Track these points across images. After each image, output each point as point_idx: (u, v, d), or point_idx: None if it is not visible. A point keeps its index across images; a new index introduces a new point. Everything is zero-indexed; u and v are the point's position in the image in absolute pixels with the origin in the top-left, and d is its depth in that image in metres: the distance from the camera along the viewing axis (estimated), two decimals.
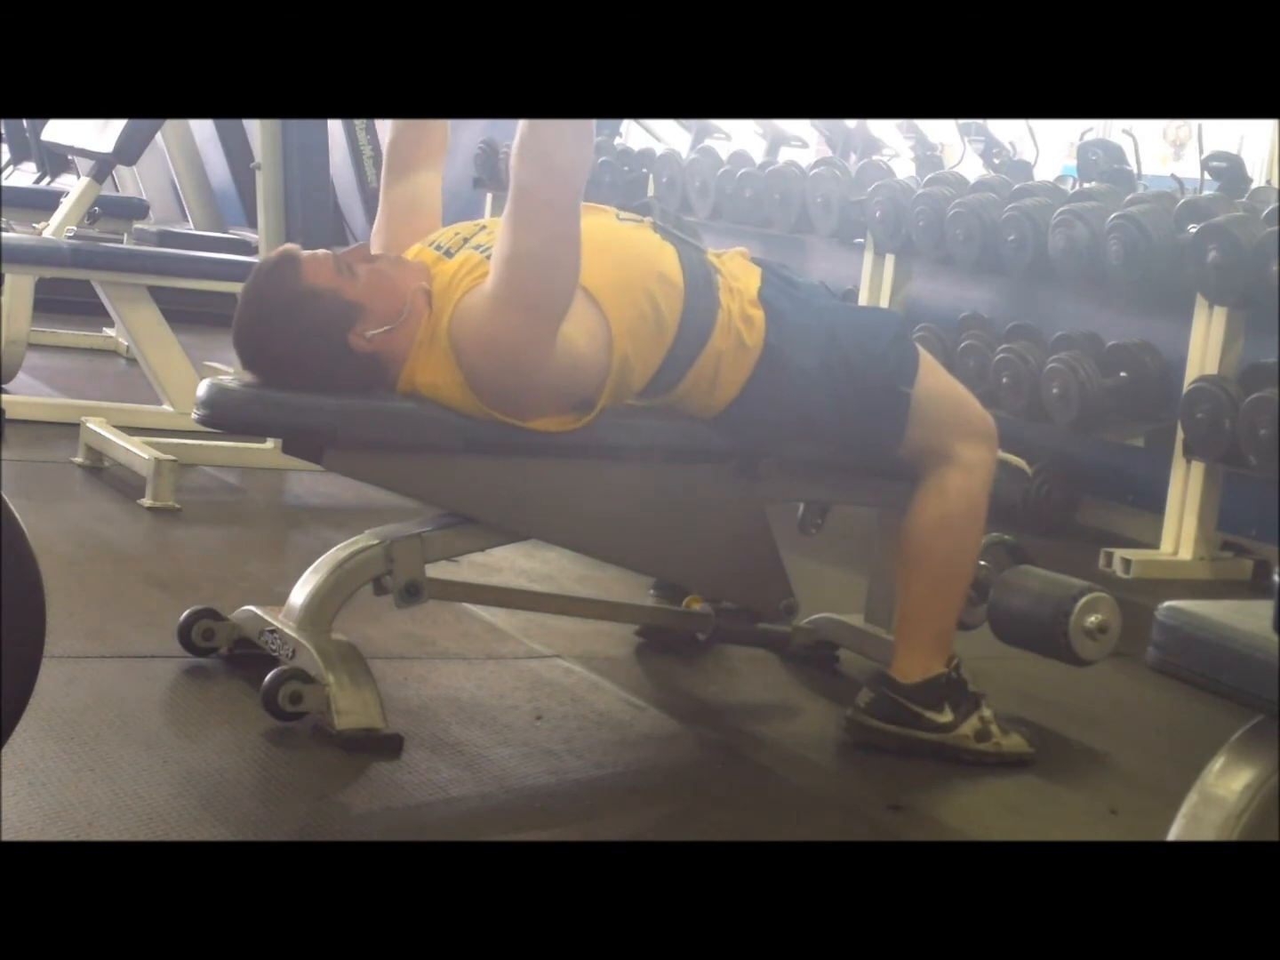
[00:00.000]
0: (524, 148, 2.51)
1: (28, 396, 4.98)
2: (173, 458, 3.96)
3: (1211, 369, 4.40)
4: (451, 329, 2.59)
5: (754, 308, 2.79)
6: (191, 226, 7.55)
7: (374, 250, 2.83)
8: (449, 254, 2.71)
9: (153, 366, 4.69)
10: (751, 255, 2.94)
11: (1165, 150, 7.50)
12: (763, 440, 2.84)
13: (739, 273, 2.84)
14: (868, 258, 5.57)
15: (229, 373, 2.77)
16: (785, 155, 6.27)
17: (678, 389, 2.76)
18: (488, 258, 2.64)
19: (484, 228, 2.77)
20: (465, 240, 2.74)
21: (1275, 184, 5.11)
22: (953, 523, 2.83)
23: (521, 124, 2.51)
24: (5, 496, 1.73)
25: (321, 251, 2.69)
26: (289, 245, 2.75)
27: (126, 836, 2.14)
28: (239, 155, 7.93)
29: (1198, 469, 4.47)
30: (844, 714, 2.83)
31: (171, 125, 7.09)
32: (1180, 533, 4.50)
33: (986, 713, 2.82)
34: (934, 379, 2.90)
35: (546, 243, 2.53)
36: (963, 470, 2.84)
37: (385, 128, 3.04)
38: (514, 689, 2.93)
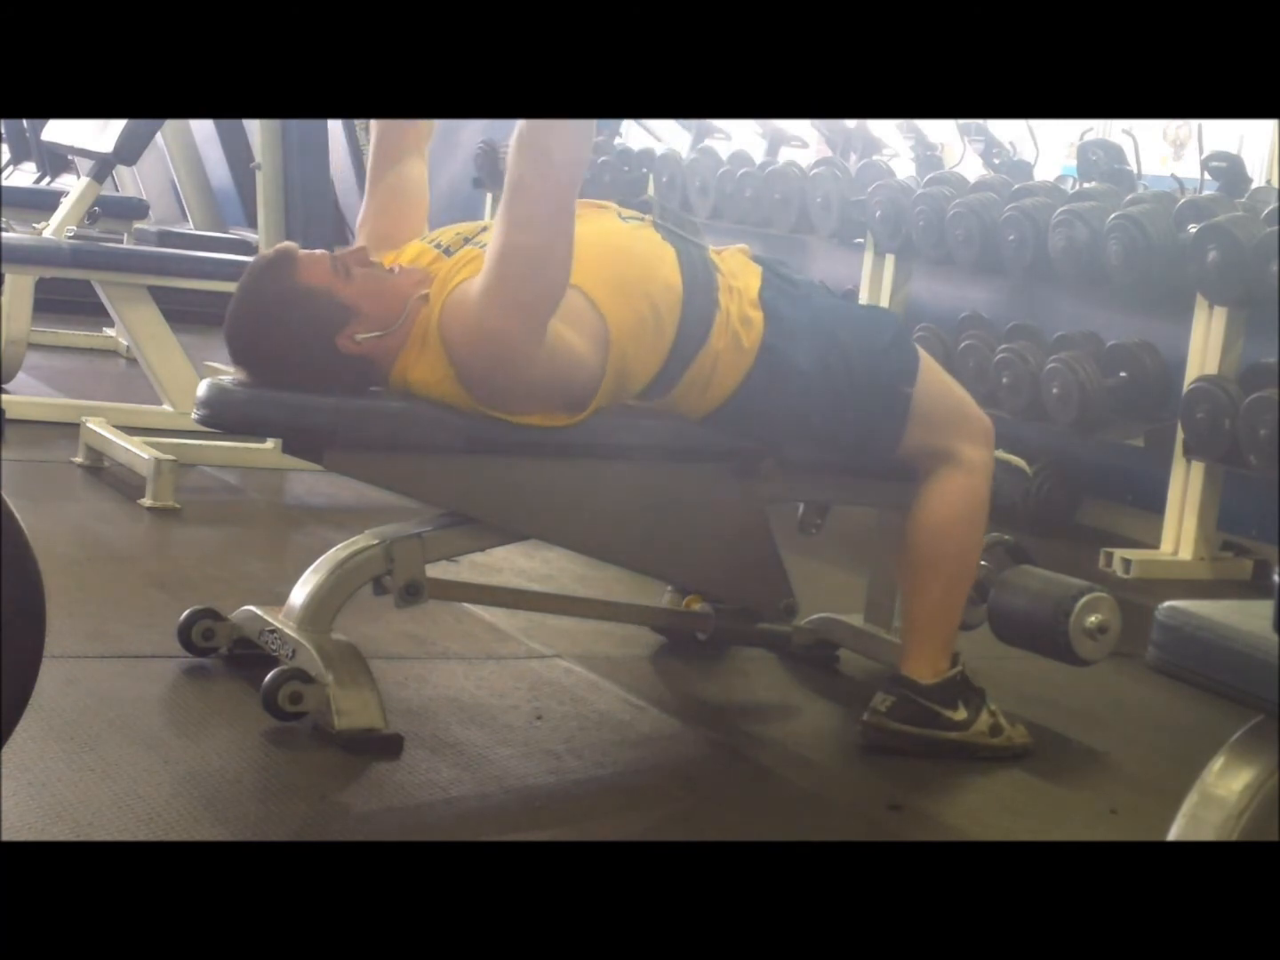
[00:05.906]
0: (522, 142, 2.51)
1: (28, 396, 4.98)
2: (173, 458, 3.96)
3: (1211, 369, 4.40)
4: (442, 321, 2.59)
5: (753, 309, 2.78)
6: (191, 226, 7.54)
7: (360, 240, 2.83)
8: (449, 252, 2.71)
9: (153, 366, 4.69)
10: (750, 254, 2.93)
11: (1165, 150, 7.49)
12: (754, 440, 2.83)
13: (739, 271, 2.83)
14: (868, 258, 5.57)
15: (229, 373, 2.76)
16: (785, 155, 6.26)
17: (673, 391, 2.75)
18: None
19: (486, 229, 2.76)
20: (466, 240, 2.74)
21: (1275, 184, 5.10)
22: (960, 524, 2.83)
23: (521, 120, 2.51)
24: (5, 496, 1.73)
25: (319, 251, 2.69)
26: (287, 243, 2.75)
27: (126, 836, 2.14)
28: (239, 155, 7.91)
29: (1198, 469, 4.47)
30: (860, 719, 2.81)
31: (171, 125, 7.08)
32: (1180, 533, 4.50)
33: (994, 706, 2.83)
34: (934, 379, 2.91)
35: (541, 238, 2.52)
36: (965, 471, 2.85)
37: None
38: (514, 689, 2.93)
